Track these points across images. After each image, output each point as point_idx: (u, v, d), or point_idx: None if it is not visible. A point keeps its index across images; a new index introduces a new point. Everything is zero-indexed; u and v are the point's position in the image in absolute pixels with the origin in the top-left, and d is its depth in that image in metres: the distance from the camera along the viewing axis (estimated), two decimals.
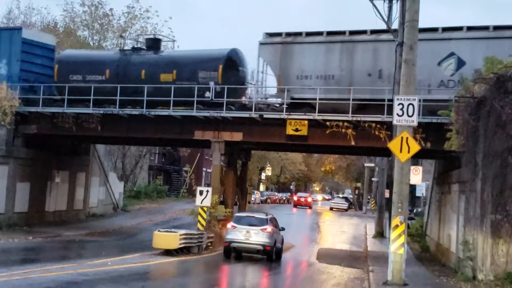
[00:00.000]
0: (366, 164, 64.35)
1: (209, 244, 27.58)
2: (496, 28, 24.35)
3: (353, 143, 26.71)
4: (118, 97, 29.06)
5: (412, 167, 25.63)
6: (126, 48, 34.83)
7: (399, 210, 18.00)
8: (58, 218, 35.10)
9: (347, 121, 26.18)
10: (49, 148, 33.81)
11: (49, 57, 32.41)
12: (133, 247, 26.78)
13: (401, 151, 17.85)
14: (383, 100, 24.73)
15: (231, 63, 28.79)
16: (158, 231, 25.31)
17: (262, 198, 72.84)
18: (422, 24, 19.24)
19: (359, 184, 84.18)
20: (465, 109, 19.94)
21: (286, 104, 27.09)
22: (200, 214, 27.36)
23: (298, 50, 27.58)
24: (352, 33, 26.94)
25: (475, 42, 24.28)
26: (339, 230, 45.22)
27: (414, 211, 47.80)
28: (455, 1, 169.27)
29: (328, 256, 28.97)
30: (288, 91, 27.00)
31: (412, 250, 30.92)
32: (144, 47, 31.57)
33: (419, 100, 23.14)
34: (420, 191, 47.50)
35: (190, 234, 25.95)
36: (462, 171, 21.50)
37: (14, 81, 30.64)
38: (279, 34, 28.31)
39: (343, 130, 26.55)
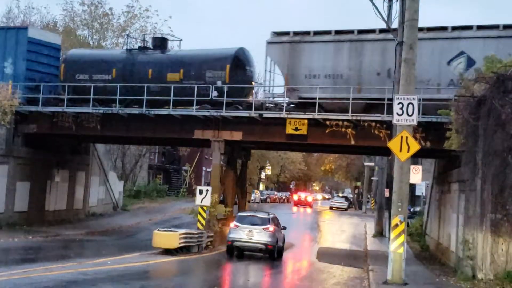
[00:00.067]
0: (366, 164, 64.35)
1: (209, 243, 27.60)
2: (506, 27, 24.27)
3: (353, 142, 26.71)
4: (117, 97, 29.06)
5: (412, 166, 25.62)
6: (129, 47, 34.63)
7: (399, 209, 18.02)
8: (58, 217, 35.10)
9: (347, 120, 26.18)
10: (49, 147, 33.82)
11: (55, 57, 32.47)
12: (133, 246, 26.79)
13: (401, 150, 17.86)
14: (392, 99, 24.63)
15: (239, 63, 28.67)
16: (158, 230, 25.32)
17: (262, 198, 72.87)
18: (421, 23, 19.30)
19: (359, 184, 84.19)
20: (465, 108, 19.93)
21: (294, 104, 27.02)
22: (200, 213, 27.37)
23: (306, 49, 27.45)
24: (360, 32, 26.79)
25: (485, 41, 24.15)
26: (339, 229, 45.21)
27: (411, 210, 47.72)
28: (455, 1, 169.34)
29: (328, 255, 28.97)
30: (296, 91, 26.93)
31: (412, 249, 30.92)
32: (151, 47, 31.38)
33: (426, 100, 23.35)
34: (420, 190, 47.46)
35: (190, 234, 25.95)
36: (462, 171, 21.49)
37: (20, 80, 30.67)
38: (286, 33, 28.17)
39: (343, 129, 26.55)
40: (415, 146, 17.92)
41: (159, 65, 29.84)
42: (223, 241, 28.96)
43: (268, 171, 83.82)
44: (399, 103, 17.95)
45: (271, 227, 25.37)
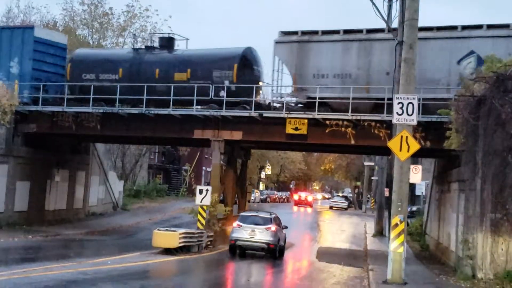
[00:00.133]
0: (365, 163, 64.34)
1: (209, 243, 27.60)
2: None
3: (353, 142, 26.69)
4: (117, 96, 29.01)
5: (412, 166, 25.62)
6: (135, 47, 34.46)
7: (399, 209, 18.02)
8: (57, 217, 35.10)
9: (347, 120, 26.16)
10: (49, 147, 33.81)
11: (61, 56, 32.36)
12: (133, 246, 26.79)
13: (400, 150, 17.87)
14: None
15: (246, 62, 28.55)
16: (158, 230, 25.31)
17: (261, 197, 72.89)
18: (421, 23, 19.29)
19: (358, 183, 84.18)
20: (465, 108, 19.93)
21: (302, 104, 26.94)
22: (199, 213, 27.38)
23: (314, 49, 27.33)
24: (369, 31, 26.68)
25: (495, 40, 24.04)
26: (339, 229, 45.22)
27: (409, 209, 47.70)
28: (455, 0, 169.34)
29: (328, 255, 28.97)
30: (304, 90, 26.87)
31: (412, 249, 30.92)
32: (157, 46, 31.17)
33: (436, 99, 23.22)
34: (420, 190, 47.44)
35: (190, 233, 25.95)
36: (462, 170, 21.49)
37: (26, 80, 30.63)
38: (295, 33, 28.04)
39: (343, 129, 26.54)
40: (415, 146, 17.92)
41: (166, 64, 29.68)
42: (223, 241, 29.00)
43: (268, 170, 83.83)
44: (399, 103, 17.96)
45: (273, 227, 25.77)
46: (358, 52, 26.62)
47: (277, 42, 28.03)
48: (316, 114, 26.31)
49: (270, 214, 27.14)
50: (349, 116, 25.72)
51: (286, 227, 28.18)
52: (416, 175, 27.87)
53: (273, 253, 25.82)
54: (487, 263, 18.82)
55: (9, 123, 30.44)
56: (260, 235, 25.43)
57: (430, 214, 33.65)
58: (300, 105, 27.74)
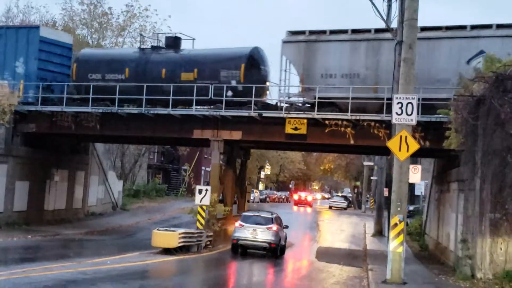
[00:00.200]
0: (365, 163, 64.35)
1: (208, 242, 27.59)
2: None
3: (352, 142, 26.69)
4: (117, 96, 28.98)
5: (411, 166, 25.63)
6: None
7: (398, 209, 18.03)
8: (57, 216, 35.10)
9: (346, 119, 26.15)
10: (48, 146, 33.81)
11: (66, 56, 32.29)
12: (132, 246, 26.79)
13: (400, 150, 17.87)
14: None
15: (253, 62, 28.41)
16: (157, 229, 25.29)
17: (261, 197, 72.93)
18: (421, 23, 19.29)
19: (358, 183, 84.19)
20: (464, 107, 19.93)
21: (310, 104, 26.89)
22: (199, 212, 27.37)
23: (322, 48, 27.23)
24: (377, 31, 26.55)
25: (505, 40, 23.97)
26: (338, 229, 45.24)
27: (408, 208, 47.68)
28: (455, 0, 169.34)
29: (327, 255, 28.98)
30: (312, 90, 26.83)
31: (411, 249, 30.92)
32: (163, 46, 31.01)
33: (446, 99, 23.16)
34: (419, 190, 47.46)
35: (189, 233, 25.95)
36: (461, 170, 21.50)
37: (32, 80, 30.56)
38: (302, 32, 27.92)
39: (342, 129, 26.53)
40: (414, 146, 17.93)
41: (172, 64, 29.51)
42: (222, 241, 29.04)
43: (267, 170, 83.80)
44: (398, 103, 17.96)
45: (274, 227, 26.11)
46: (366, 52, 26.51)
47: (284, 42, 27.86)
48: (315, 114, 26.30)
49: (272, 214, 27.41)
50: (348, 116, 25.71)
51: (287, 227, 28.42)
52: (416, 175, 27.88)
53: (275, 252, 26.21)
54: (486, 263, 18.83)
55: (8, 123, 30.42)
56: (262, 235, 25.79)
57: (430, 214, 33.66)
58: (307, 105, 27.67)
